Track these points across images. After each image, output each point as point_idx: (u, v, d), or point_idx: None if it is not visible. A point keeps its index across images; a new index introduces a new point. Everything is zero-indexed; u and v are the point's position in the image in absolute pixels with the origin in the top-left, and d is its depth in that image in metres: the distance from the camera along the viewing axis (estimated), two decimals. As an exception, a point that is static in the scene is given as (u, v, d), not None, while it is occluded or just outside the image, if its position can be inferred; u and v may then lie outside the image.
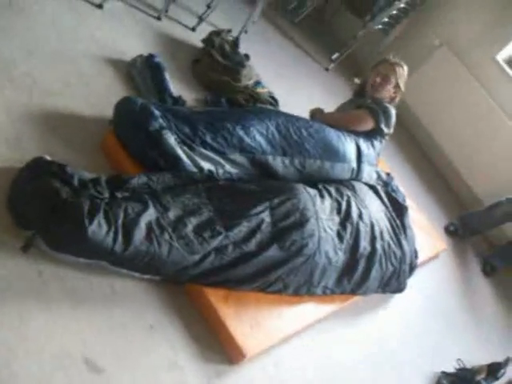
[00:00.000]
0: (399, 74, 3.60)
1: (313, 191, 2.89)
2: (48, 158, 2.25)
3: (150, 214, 2.23)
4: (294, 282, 2.60)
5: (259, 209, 2.55)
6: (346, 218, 2.97)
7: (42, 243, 2.03)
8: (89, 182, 2.21)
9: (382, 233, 3.12)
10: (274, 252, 2.49)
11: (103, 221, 2.06)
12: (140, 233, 2.15)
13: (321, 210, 2.82)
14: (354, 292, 2.93)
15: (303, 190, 2.82)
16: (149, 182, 2.39)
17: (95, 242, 2.02)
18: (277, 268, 2.51)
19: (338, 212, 2.96)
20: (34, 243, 2.03)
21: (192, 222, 2.33)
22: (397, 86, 3.60)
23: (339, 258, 2.80)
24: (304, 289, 2.67)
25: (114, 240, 2.07)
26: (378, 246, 3.04)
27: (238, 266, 2.39)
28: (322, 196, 2.93)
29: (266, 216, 2.56)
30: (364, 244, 2.96)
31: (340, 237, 2.86)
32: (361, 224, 3.01)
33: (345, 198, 3.07)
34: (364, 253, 2.94)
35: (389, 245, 3.13)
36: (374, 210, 3.22)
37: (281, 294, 2.60)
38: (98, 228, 2.03)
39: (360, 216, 3.05)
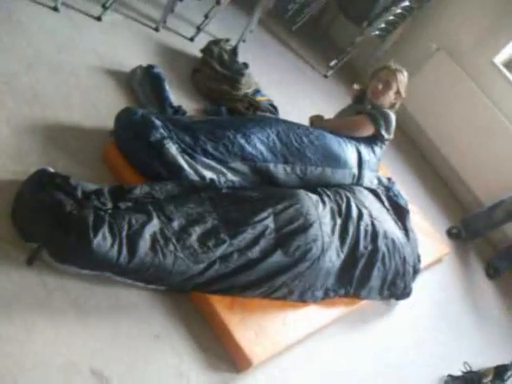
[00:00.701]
0: (400, 80, 3.60)
1: (315, 197, 2.90)
2: (51, 169, 2.25)
3: (154, 225, 2.24)
4: (298, 287, 2.60)
5: (263, 215, 2.56)
6: (347, 218, 2.97)
7: (47, 255, 2.04)
8: (92, 194, 2.21)
9: (385, 232, 3.12)
10: (278, 258, 2.50)
11: (108, 233, 2.06)
12: (144, 244, 2.15)
13: (323, 215, 2.83)
14: (357, 292, 2.93)
15: (305, 195, 2.83)
16: (152, 192, 2.40)
17: (100, 254, 2.02)
18: (281, 274, 2.52)
19: (340, 214, 2.97)
20: (39, 256, 2.03)
21: (196, 231, 2.34)
22: (397, 92, 3.61)
23: (341, 259, 2.81)
24: (308, 293, 2.67)
25: (119, 252, 2.07)
26: (381, 244, 3.04)
27: (243, 273, 2.40)
28: (323, 201, 2.94)
29: (270, 222, 2.56)
30: (364, 243, 2.96)
31: (342, 239, 2.87)
32: (361, 223, 3.01)
33: (344, 199, 3.07)
34: (364, 252, 2.95)
35: (393, 242, 3.13)
36: (376, 211, 3.22)
37: (286, 299, 2.60)
38: (102, 240, 2.03)
39: (360, 215, 3.05)
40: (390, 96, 3.60)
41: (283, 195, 2.75)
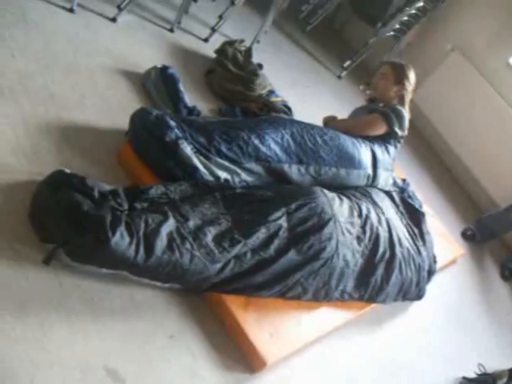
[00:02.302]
0: (396, 70, 3.61)
1: (330, 194, 2.90)
2: (67, 170, 2.26)
3: (171, 224, 2.24)
4: (312, 285, 2.60)
5: (277, 215, 2.56)
6: (365, 222, 2.97)
7: (64, 255, 2.04)
8: (108, 194, 2.21)
9: (400, 239, 3.11)
10: (291, 257, 2.51)
11: (125, 232, 2.07)
12: (161, 243, 2.15)
13: (339, 213, 2.83)
14: (372, 299, 2.92)
15: (320, 193, 2.83)
16: (167, 192, 2.40)
17: (118, 253, 2.03)
18: (295, 272, 2.52)
19: (359, 215, 2.97)
20: (56, 256, 2.04)
21: (211, 232, 2.34)
22: (398, 82, 3.61)
23: (357, 261, 2.80)
24: (322, 293, 2.66)
25: (136, 251, 2.08)
26: (398, 251, 3.02)
27: (257, 273, 2.40)
28: (340, 199, 2.94)
29: (283, 221, 2.57)
30: (383, 249, 2.95)
31: (359, 240, 2.87)
32: (380, 229, 3.01)
33: (364, 203, 3.07)
34: (383, 258, 2.93)
35: (408, 251, 3.12)
36: (392, 217, 3.21)
37: (300, 299, 2.60)
38: (120, 239, 2.04)
39: (379, 221, 3.05)
40: (392, 88, 3.60)
41: (298, 193, 2.75)
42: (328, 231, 2.68)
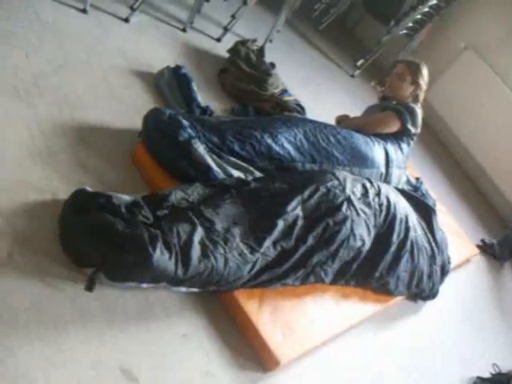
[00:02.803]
0: (412, 70, 3.61)
1: (342, 175, 2.90)
2: (89, 189, 2.25)
3: (200, 232, 2.27)
4: (332, 268, 2.66)
5: (293, 205, 2.59)
6: (382, 202, 2.96)
7: (104, 278, 2.05)
8: (133, 207, 2.21)
9: (414, 225, 3.11)
10: (309, 242, 2.55)
11: (163, 247, 2.09)
12: (196, 252, 2.18)
13: (352, 194, 2.83)
14: (384, 280, 2.91)
15: (332, 176, 2.84)
16: (185, 197, 2.41)
17: (160, 268, 2.05)
18: (312, 256, 2.56)
19: (378, 195, 2.97)
20: (97, 279, 2.03)
21: (238, 233, 2.39)
22: (414, 82, 3.60)
23: (371, 237, 2.83)
24: (341, 273, 2.72)
25: (176, 264, 2.10)
26: (412, 236, 3.04)
27: (281, 263, 2.46)
28: (354, 178, 2.96)
29: (299, 211, 2.60)
30: (398, 230, 2.96)
31: (374, 219, 2.88)
32: (397, 211, 3.01)
33: (382, 188, 3.06)
34: (397, 239, 2.95)
35: (421, 239, 3.13)
36: (407, 207, 3.20)
37: (322, 282, 2.65)
38: (161, 255, 2.05)
39: (395, 205, 3.04)
40: (408, 87, 3.61)
41: (309, 180, 2.77)
42: (342, 213, 2.70)
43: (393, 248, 2.92)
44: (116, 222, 2.08)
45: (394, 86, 3.66)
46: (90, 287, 2.02)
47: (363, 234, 2.78)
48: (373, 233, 2.84)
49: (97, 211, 2.12)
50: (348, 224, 2.70)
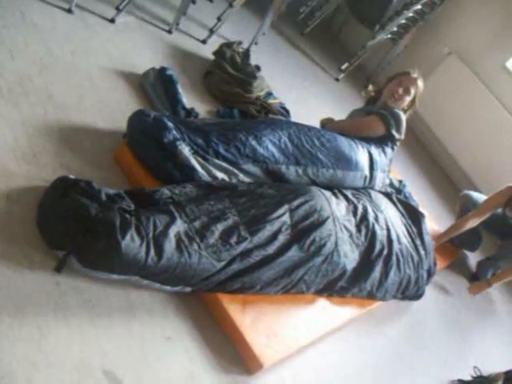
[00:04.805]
0: (419, 89, 3.66)
1: (327, 192, 2.94)
2: (71, 176, 2.24)
3: (178, 225, 2.24)
4: (315, 282, 2.64)
5: (280, 212, 2.58)
6: (361, 220, 3.00)
7: (75, 262, 2.03)
8: (115, 196, 2.21)
9: (398, 237, 3.14)
10: (294, 253, 2.53)
11: (135, 234, 2.06)
12: (170, 245, 2.15)
13: (337, 211, 2.87)
14: (372, 295, 2.94)
15: (318, 191, 2.87)
16: (172, 196, 2.40)
17: (129, 256, 2.02)
18: (299, 268, 2.55)
19: (354, 214, 3.00)
20: (67, 262, 2.03)
21: (218, 229, 2.35)
22: (413, 100, 3.65)
23: (355, 257, 2.84)
24: (324, 288, 2.73)
25: (147, 253, 2.07)
26: (396, 248, 3.06)
27: (261, 269, 2.42)
28: (336, 197, 2.99)
29: (287, 218, 2.59)
30: (379, 246, 2.98)
31: (356, 237, 2.90)
32: (376, 227, 3.04)
33: (361, 202, 3.11)
34: (380, 254, 2.96)
35: (406, 248, 3.16)
36: (391, 215, 3.24)
37: (303, 293, 2.65)
38: (131, 242, 2.03)
39: (376, 219, 3.08)
40: (406, 102, 3.64)
41: (297, 191, 2.77)
42: (328, 228, 2.71)
43: (378, 267, 2.94)
44: (91, 205, 2.07)
45: (397, 95, 3.65)
46: (58, 268, 2.03)
47: (347, 251, 2.79)
48: (356, 252, 2.86)
49: (75, 194, 2.11)
50: (333, 239, 2.71)
